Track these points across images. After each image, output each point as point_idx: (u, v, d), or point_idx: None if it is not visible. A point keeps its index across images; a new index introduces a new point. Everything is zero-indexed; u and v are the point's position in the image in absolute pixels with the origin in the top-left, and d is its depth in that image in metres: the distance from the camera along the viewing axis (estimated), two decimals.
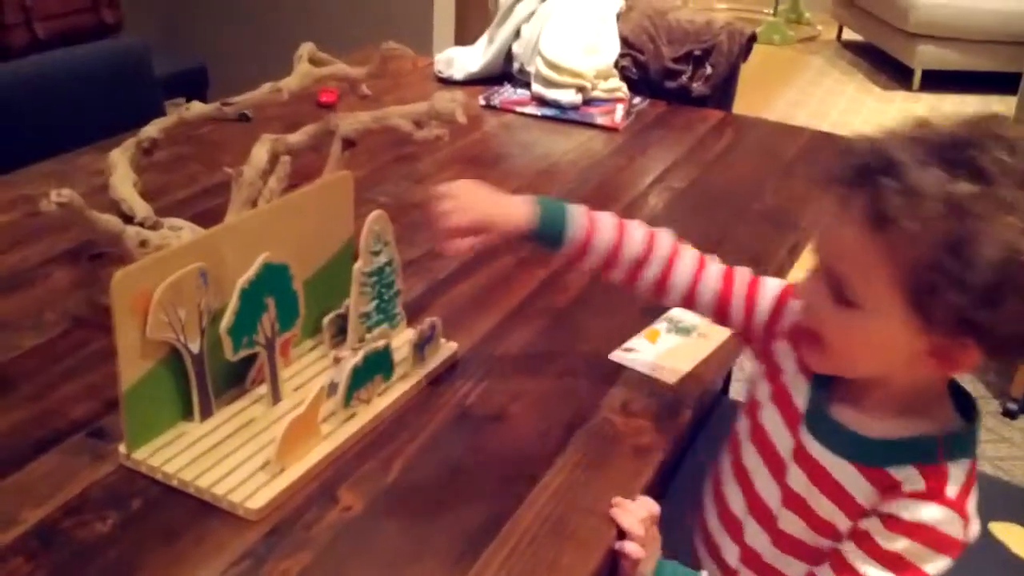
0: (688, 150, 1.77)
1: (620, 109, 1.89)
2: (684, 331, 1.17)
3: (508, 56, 2.02)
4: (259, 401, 0.99)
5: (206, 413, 0.95)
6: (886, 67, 5.17)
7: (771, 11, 5.90)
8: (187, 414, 0.95)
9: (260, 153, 1.22)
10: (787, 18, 5.91)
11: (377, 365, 0.99)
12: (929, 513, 0.83)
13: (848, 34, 5.73)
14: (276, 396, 0.99)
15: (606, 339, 1.15)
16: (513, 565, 0.82)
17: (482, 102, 1.92)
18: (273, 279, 0.95)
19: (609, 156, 1.73)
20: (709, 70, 1.99)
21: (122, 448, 0.91)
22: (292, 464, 0.90)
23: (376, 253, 1.04)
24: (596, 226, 1.00)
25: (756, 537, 0.96)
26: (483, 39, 2.07)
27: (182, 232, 1.10)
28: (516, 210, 1.00)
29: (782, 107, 4.58)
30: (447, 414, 1.01)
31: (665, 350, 1.13)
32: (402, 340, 1.06)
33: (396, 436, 0.97)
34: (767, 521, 0.94)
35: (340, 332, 1.08)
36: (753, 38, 2.04)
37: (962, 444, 0.85)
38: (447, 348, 1.09)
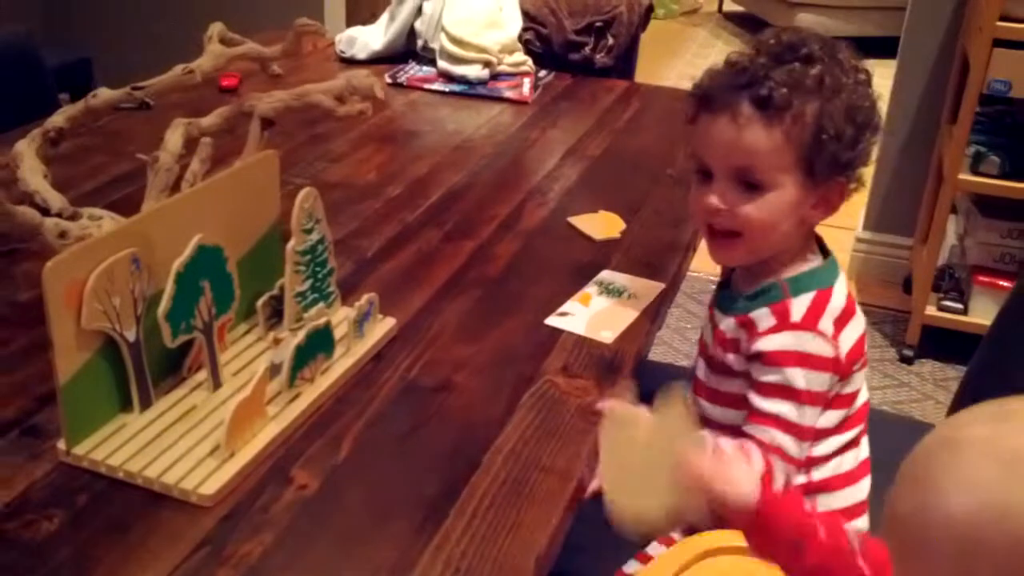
0: (597, 120, 1.79)
1: (527, 83, 1.90)
2: (615, 293, 1.19)
3: (411, 33, 2.01)
4: (199, 388, 0.97)
5: (145, 403, 0.93)
6: None
7: None
8: (125, 405, 0.92)
9: (174, 138, 1.18)
10: None
11: (319, 343, 0.98)
12: (782, 340, 1.01)
13: (729, 5, 5.86)
14: (216, 382, 0.97)
15: (540, 305, 1.16)
16: (476, 528, 0.83)
17: (388, 80, 1.90)
18: (207, 262, 0.93)
19: (521, 129, 1.75)
20: (611, 41, 2.02)
21: (61, 444, 0.88)
22: (241, 448, 0.89)
23: (308, 231, 1.03)
24: None
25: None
26: (384, 17, 2.05)
27: (102, 221, 1.06)
28: None
29: (672, 79, 4.66)
30: (392, 388, 1.01)
31: (598, 311, 1.15)
32: (340, 318, 1.06)
33: (343, 413, 0.97)
34: (696, 383, 1.13)
35: (275, 314, 1.06)
36: (651, 8, 2.08)
37: (804, 282, 1.04)
38: (385, 323, 1.09)
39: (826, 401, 1.04)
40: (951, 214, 2.56)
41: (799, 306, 1.02)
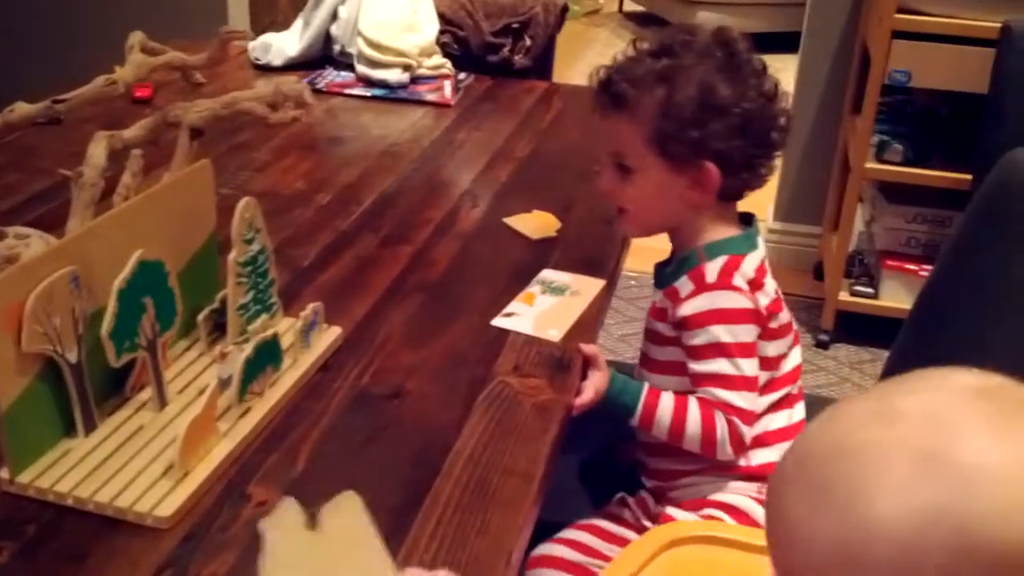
0: (521, 121, 1.80)
1: (448, 85, 1.90)
2: (558, 291, 1.20)
3: (327, 39, 1.99)
4: (143, 408, 0.94)
5: (90, 426, 0.89)
6: None
7: None
8: (69, 430, 0.89)
9: (98, 152, 1.14)
10: None
11: (267, 356, 0.96)
12: (699, 302, 1.10)
13: (629, 5, 5.95)
14: (162, 400, 0.94)
15: (484, 307, 1.16)
16: (444, 534, 0.82)
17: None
18: (149, 277, 0.91)
19: (446, 132, 1.74)
20: (528, 42, 2.02)
21: (3, 474, 0.84)
22: (195, 466, 0.86)
23: (249, 242, 1.00)
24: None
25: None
26: (298, 23, 2.02)
27: (30, 240, 1.02)
28: None
29: (576, 79, 4.69)
30: (343, 398, 0.99)
31: (543, 310, 1.15)
32: (285, 328, 1.04)
33: (296, 425, 0.95)
34: (642, 355, 1.23)
35: (216, 328, 1.04)
36: (566, 8, 2.09)
37: (718, 248, 1.13)
38: (331, 332, 1.07)
39: (756, 352, 1.10)
40: (860, 202, 2.65)
41: (712, 268, 1.11)
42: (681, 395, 1.11)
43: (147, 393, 0.95)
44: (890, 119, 2.50)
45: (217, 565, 0.78)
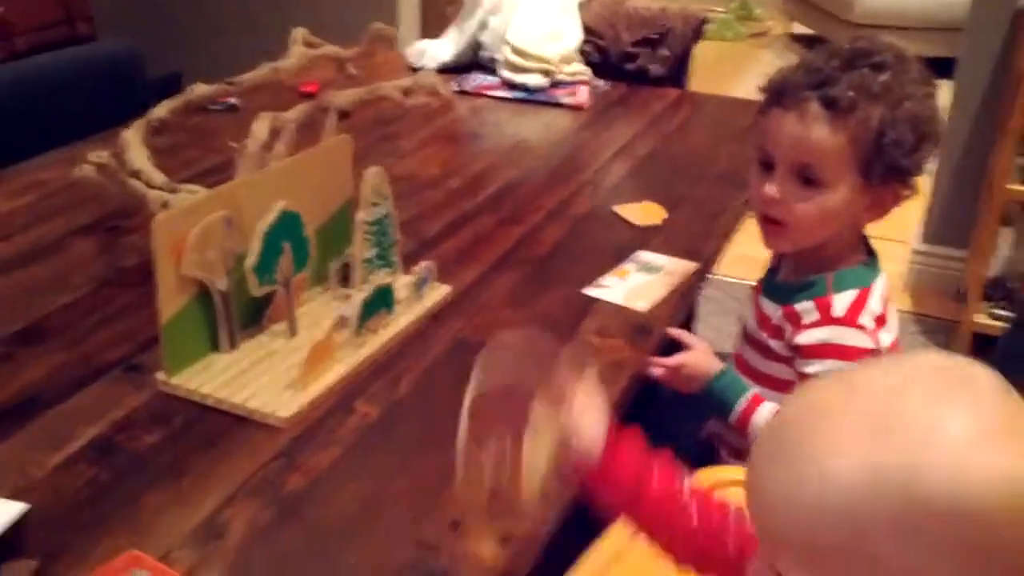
0: (648, 124, 1.91)
1: (584, 90, 2.03)
2: (652, 270, 1.30)
3: (476, 46, 2.16)
4: (277, 336, 1.11)
5: (232, 345, 1.07)
6: None
7: (723, 8, 6.10)
8: (214, 346, 1.07)
9: (261, 128, 1.33)
10: (738, 15, 6.11)
11: (382, 300, 1.12)
12: (821, 334, 1.10)
13: (797, 28, 5.93)
14: (293, 329, 1.11)
15: (582, 280, 1.28)
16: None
17: (455, 87, 2.05)
18: (288, 225, 1.08)
19: (576, 132, 1.87)
20: (666, 52, 2.13)
21: (160, 376, 1.02)
22: (312, 382, 1.02)
23: (375, 204, 1.17)
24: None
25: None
26: (451, 31, 2.20)
27: (199, 195, 1.21)
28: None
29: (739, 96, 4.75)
30: (445, 343, 1.14)
31: (635, 285, 1.26)
32: (402, 283, 1.19)
33: (402, 360, 1.10)
34: (739, 360, 1.24)
35: (345, 279, 1.20)
36: (705, 21, 2.19)
37: (848, 279, 1.11)
38: (441, 290, 1.22)
39: None
40: (1008, 227, 2.60)
41: (841, 302, 1.10)
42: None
43: (281, 326, 1.12)
44: None
45: (320, 458, 0.93)
